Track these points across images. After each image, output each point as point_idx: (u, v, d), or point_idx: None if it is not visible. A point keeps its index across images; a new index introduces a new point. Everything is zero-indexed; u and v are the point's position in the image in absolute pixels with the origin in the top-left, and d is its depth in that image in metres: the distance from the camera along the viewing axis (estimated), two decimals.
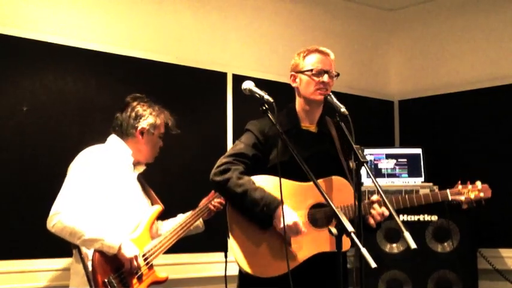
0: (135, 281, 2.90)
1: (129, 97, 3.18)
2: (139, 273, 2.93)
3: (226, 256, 3.56)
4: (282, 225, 2.62)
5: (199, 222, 3.38)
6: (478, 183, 2.92)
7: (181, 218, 3.29)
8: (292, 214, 2.69)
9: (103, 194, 2.91)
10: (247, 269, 2.74)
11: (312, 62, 2.89)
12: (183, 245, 3.91)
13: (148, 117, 3.11)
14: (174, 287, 3.94)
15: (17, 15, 3.52)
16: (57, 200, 2.82)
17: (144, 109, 3.12)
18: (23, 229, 3.34)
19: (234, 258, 2.81)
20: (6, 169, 3.36)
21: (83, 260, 2.82)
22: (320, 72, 2.85)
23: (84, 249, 2.84)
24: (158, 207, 3.16)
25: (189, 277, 3.98)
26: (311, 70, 2.86)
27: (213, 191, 3.36)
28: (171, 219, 3.33)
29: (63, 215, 2.77)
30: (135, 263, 2.87)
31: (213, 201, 3.35)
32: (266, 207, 2.67)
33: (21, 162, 3.41)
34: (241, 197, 2.72)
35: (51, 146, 3.45)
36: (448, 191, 2.92)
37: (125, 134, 3.10)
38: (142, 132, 3.10)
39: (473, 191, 2.91)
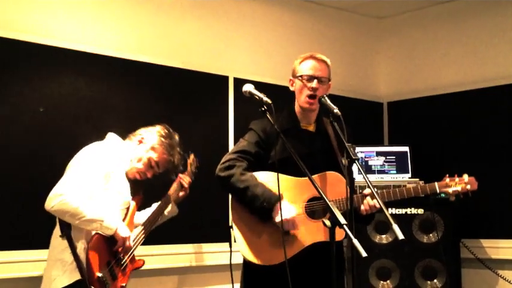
0: (119, 271, 2.88)
1: (172, 133, 3.14)
2: (124, 265, 2.91)
3: (231, 246, 3.54)
4: (279, 220, 2.64)
5: (173, 206, 3.31)
6: (465, 176, 2.87)
7: (154, 206, 3.24)
8: (290, 209, 2.69)
9: (101, 185, 2.86)
10: (249, 257, 2.75)
11: (304, 68, 2.88)
12: (192, 236, 3.94)
13: (149, 137, 3.07)
14: (184, 274, 3.97)
15: (35, 23, 3.52)
16: (59, 184, 2.74)
17: (159, 135, 3.07)
18: (37, 222, 3.32)
19: (237, 247, 2.81)
20: (24, 164, 3.36)
21: (73, 250, 2.74)
22: (310, 79, 2.85)
23: (80, 241, 2.77)
24: (135, 201, 3.11)
25: (197, 265, 3.99)
26: (302, 76, 2.87)
27: (179, 174, 3.33)
28: (147, 209, 3.27)
29: (66, 197, 2.68)
30: (127, 242, 2.85)
31: (182, 180, 3.31)
32: (266, 202, 2.68)
33: (37, 157, 3.40)
34: (243, 192, 2.73)
35: (65, 143, 3.43)
36: (436, 183, 2.86)
37: (130, 136, 3.09)
38: (140, 142, 3.07)
39: (460, 184, 2.84)
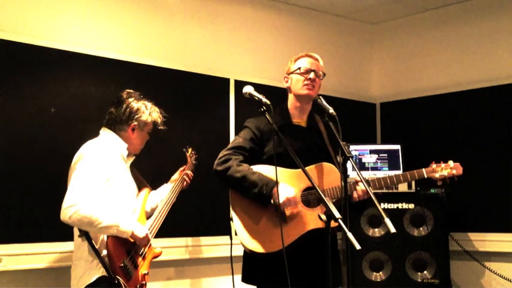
0: (140, 260, 2.87)
1: (123, 93, 3.04)
2: (144, 253, 2.90)
3: (231, 238, 3.55)
4: (279, 201, 2.63)
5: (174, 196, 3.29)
6: (450, 162, 2.89)
7: (164, 188, 3.25)
8: (289, 189, 2.71)
9: (107, 183, 2.80)
10: (249, 246, 2.75)
11: (300, 63, 2.94)
12: (194, 229, 3.94)
13: (140, 115, 2.99)
14: (184, 266, 3.98)
15: (47, 28, 3.53)
16: (69, 194, 2.68)
17: (138, 107, 2.99)
18: (48, 217, 3.32)
19: (238, 240, 2.81)
20: (36, 161, 3.37)
21: (93, 247, 2.71)
22: (307, 71, 2.89)
23: (100, 236, 2.76)
24: (147, 190, 3.11)
25: (198, 257, 3.99)
26: (299, 68, 2.91)
27: (185, 170, 3.35)
28: (158, 190, 3.27)
29: (79, 207, 2.62)
30: (145, 241, 2.85)
31: (185, 172, 3.32)
32: (264, 186, 2.69)
33: (48, 155, 3.41)
34: (241, 181, 2.73)
35: (73, 142, 3.42)
36: (423, 169, 2.88)
37: (117, 128, 2.97)
38: (133, 129, 2.99)
39: (446, 169, 2.87)
